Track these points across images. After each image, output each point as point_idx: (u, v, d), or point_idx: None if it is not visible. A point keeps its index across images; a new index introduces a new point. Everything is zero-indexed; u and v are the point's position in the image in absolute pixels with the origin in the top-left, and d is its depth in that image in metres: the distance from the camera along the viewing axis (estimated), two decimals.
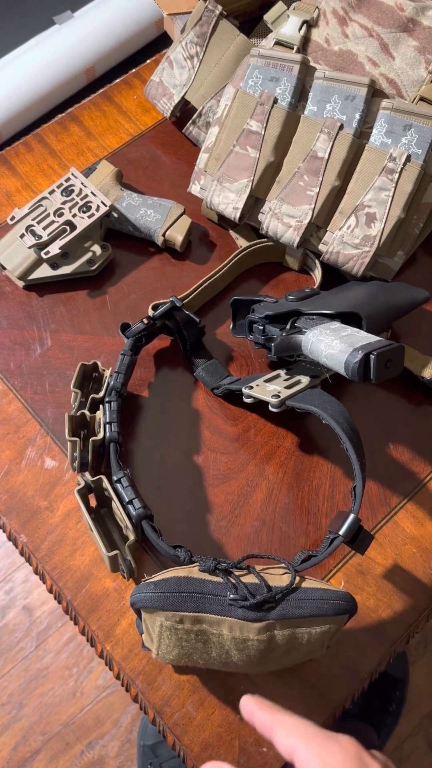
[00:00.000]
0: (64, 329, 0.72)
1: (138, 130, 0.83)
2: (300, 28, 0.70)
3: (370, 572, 0.63)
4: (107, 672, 1.08)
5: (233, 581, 0.48)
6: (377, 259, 0.70)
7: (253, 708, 0.42)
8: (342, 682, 0.59)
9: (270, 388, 0.60)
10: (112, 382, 0.62)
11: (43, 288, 0.73)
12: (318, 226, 0.70)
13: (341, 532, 0.51)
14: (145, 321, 0.65)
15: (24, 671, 1.05)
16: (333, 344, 0.55)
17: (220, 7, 0.74)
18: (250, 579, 0.49)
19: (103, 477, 0.57)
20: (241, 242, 0.76)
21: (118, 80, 0.86)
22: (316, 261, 0.72)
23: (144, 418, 0.68)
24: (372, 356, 0.51)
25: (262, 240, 0.73)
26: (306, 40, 0.70)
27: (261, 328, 0.63)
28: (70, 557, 0.62)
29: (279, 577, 0.50)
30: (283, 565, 0.52)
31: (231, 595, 0.48)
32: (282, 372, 0.64)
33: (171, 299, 0.66)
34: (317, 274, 0.73)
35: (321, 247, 0.70)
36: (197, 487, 0.65)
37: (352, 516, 0.51)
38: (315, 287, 0.69)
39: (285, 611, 0.48)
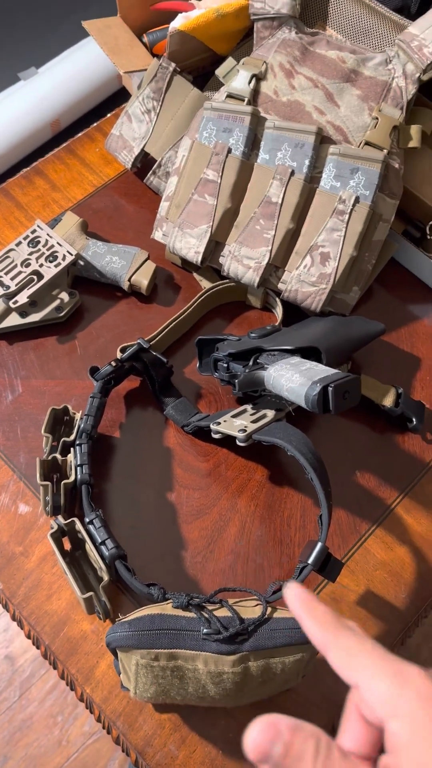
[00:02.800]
0: (34, 375, 0.73)
1: (101, 181, 0.87)
2: (249, 82, 0.74)
3: (343, 599, 0.64)
4: (92, 717, 1.07)
5: (206, 615, 0.50)
6: (334, 295, 0.73)
7: (301, 613, 0.34)
8: (321, 710, 0.60)
9: (237, 423, 0.62)
10: (82, 425, 0.63)
11: (13, 336, 0.75)
12: (276, 266, 0.73)
13: (310, 561, 0.52)
14: (114, 363, 0.67)
15: (8, 722, 1.03)
16: (293, 378, 0.57)
17: (173, 64, 0.78)
18: (223, 612, 0.51)
19: (75, 519, 0.58)
20: (205, 284, 0.78)
21: (80, 134, 0.90)
22: (277, 299, 0.75)
23: (116, 458, 0.69)
24: (330, 388, 0.54)
25: (225, 281, 0.76)
26: (256, 93, 0.74)
27: (225, 365, 0.65)
28: (46, 602, 0.62)
29: (252, 609, 0.51)
30: (255, 596, 0.53)
31: (204, 630, 0.49)
32: (248, 407, 0.66)
33: (138, 341, 0.68)
34: (278, 312, 0.75)
35: (280, 285, 0.73)
36: (171, 524, 0.66)
37: (319, 545, 0.53)
38: (276, 324, 0.72)
39: (258, 642, 0.49)
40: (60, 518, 0.59)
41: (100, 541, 0.56)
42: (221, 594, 0.61)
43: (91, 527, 0.57)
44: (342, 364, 0.71)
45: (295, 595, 0.34)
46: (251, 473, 0.69)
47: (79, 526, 0.58)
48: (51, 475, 0.63)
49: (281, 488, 0.69)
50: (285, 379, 0.58)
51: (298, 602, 0.34)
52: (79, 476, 0.60)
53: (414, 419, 0.71)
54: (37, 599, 0.63)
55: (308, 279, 0.71)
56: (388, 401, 0.71)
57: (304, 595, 0.34)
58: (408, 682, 0.29)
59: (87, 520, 0.58)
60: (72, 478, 0.60)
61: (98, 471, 0.68)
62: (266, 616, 0.50)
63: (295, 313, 0.76)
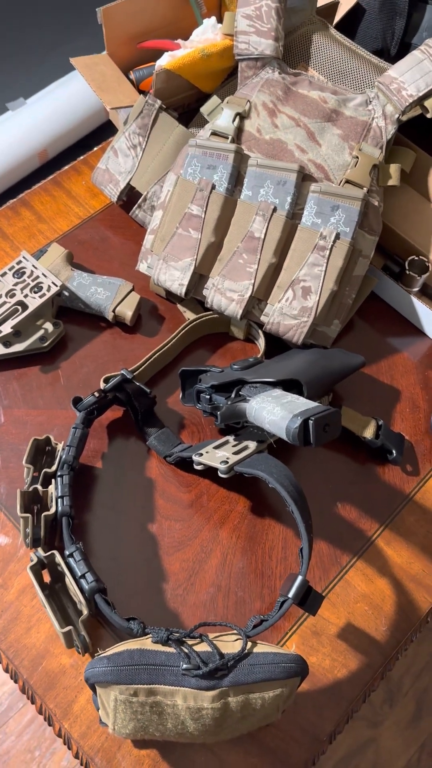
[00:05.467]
0: (17, 405, 0.74)
1: (87, 213, 0.88)
2: (233, 120, 0.76)
3: (324, 633, 0.64)
4: (71, 753, 1.05)
5: (186, 651, 0.49)
6: (315, 328, 0.74)
7: None
8: (301, 745, 0.59)
9: (219, 455, 0.63)
10: (64, 456, 0.63)
11: None
12: (259, 299, 0.74)
13: (290, 595, 0.53)
14: (97, 394, 0.67)
15: None
16: (274, 411, 0.58)
17: (159, 101, 0.80)
18: (203, 647, 0.50)
19: (55, 552, 0.58)
20: (189, 315, 0.79)
21: (67, 167, 0.91)
22: (260, 331, 0.76)
23: (98, 489, 0.69)
24: (310, 421, 0.55)
25: (208, 312, 0.77)
26: (239, 130, 0.76)
27: (208, 397, 0.66)
28: (25, 635, 0.62)
29: (232, 644, 0.51)
30: (235, 631, 0.53)
31: (184, 665, 0.49)
32: (231, 438, 0.67)
33: (122, 372, 0.68)
34: (261, 343, 0.76)
35: (263, 318, 0.74)
36: (152, 556, 0.66)
37: (300, 578, 0.53)
38: (259, 356, 0.73)
39: (237, 678, 0.49)
40: (40, 551, 0.58)
41: (79, 574, 0.56)
42: (202, 629, 0.61)
43: (71, 560, 0.57)
44: (323, 396, 0.72)
45: None
46: (233, 504, 0.70)
47: (59, 558, 0.58)
48: (32, 506, 0.63)
49: (263, 519, 0.69)
50: (266, 412, 0.58)
51: None
52: (59, 508, 0.60)
53: (394, 451, 0.72)
54: (16, 632, 0.62)
55: (290, 312, 0.73)
56: (369, 433, 0.72)
57: None
58: None
59: (67, 552, 0.58)
60: (53, 510, 0.60)
61: (80, 502, 0.68)
62: (246, 651, 0.50)
63: (277, 344, 0.77)
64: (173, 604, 0.64)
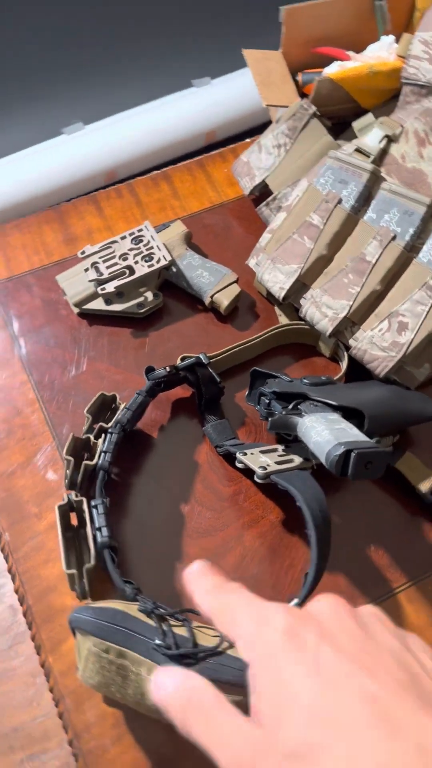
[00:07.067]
0: (101, 359, 0.78)
1: (219, 200, 0.90)
2: (381, 141, 0.75)
3: None
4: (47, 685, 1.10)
5: (164, 628, 0.51)
6: (404, 366, 0.72)
7: (190, 586, 0.36)
8: None
9: (262, 459, 0.63)
10: (120, 416, 0.67)
11: (94, 318, 0.80)
12: (353, 322, 0.73)
13: None
14: (168, 369, 0.70)
15: None
16: (322, 434, 0.57)
17: (314, 108, 0.80)
18: (182, 631, 0.52)
19: (84, 499, 0.61)
20: (283, 319, 0.80)
21: (214, 152, 0.94)
22: (345, 353, 0.75)
23: (146, 456, 0.72)
24: (353, 453, 0.54)
25: (300, 322, 0.77)
26: (384, 153, 0.75)
27: (267, 401, 0.66)
28: (42, 565, 0.66)
29: (211, 638, 0.52)
30: None
31: (157, 641, 0.50)
32: (280, 448, 0.67)
33: (200, 355, 0.71)
34: (343, 365, 0.75)
35: (351, 341, 0.73)
36: (176, 534, 0.68)
37: (294, 601, 0.53)
38: (336, 377, 0.72)
39: (203, 671, 0.50)
40: (73, 494, 0.62)
41: (97, 526, 0.59)
42: (189, 615, 0.62)
43: (94, 511, 0.60)
44: (388, 436, 0.70)
45: (189, 571, 0.37)
46: (267, 512, 0.70)
47: (85, 506, 0.61)
48: (82, 452, 0.67)
49: (291, 536, 0.69)
50: (315, 432, 0.58)
51: (191, 577, 0.37)
52: (100, 461, 0.63)
53: None
54: (35, 560, 0.66)
55: (380, 343, 0.71)
56: (425, 486, 0.69)
57: (198, 568, 0.37)
58: (267, 622, 0.30)
59: (93, 503, 0.61)
60: (94, 462, 0.63)
61: (126, 464, 0.71)
62: (220, 649, 0.51)
63: (360, 371, 0.76)
64: (179, 585, 0.66)
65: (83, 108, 1.65)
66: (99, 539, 0.59)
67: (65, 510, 0.61)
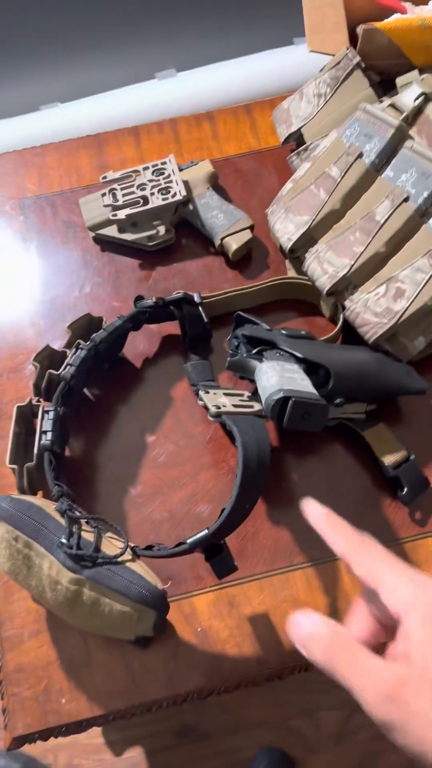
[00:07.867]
0: (104, 285, 0.80)
1: (259, 147, 0.89)
2: (417, 98, 0.71)
3: (239, 607, 0.63)
4: None
5: (72, 529, 0.53)
6: (397, 336, 0.69)
7: (326, 529, 0.41)
8: (161, 684, 0.61)
9: (221, 400, 0.63)
10: (95, 335, 0.68)
11: (107, 245, 0.82)
12: (355, 284, 0.70)
13: (188, 541, 0.53)
14: (154, 299, 0.70)
15: None
16: (271, 379, 0.56)
17: (358, 58, 0.77)
18: (90, 537, 0.54)
19: (41, 405, 0.64)
20: (292, 273, 0.78)
21: (265, 99, 0.92)
22: (341, 316, 0.73)
23: (126, 385, 0.74)
24: (291, 401, 0.53)
25: (304, 277, 0.75)
26: (419, 111, 0.71)
27: (236, 344, 0.66)
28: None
29: (116, 549, 0.54)
30: (126, 540, 0.55)
31: (63, 539, 0.52)
32: (246, 394, 0.67)
33: (183, 292, 0.71)
34: (338, 326, 0.73)
35: (347, 302, 0.71)
36: (135, 460, 0.70)
37: (204, 531, 0.53)
38: (325, 337, 0.70)
39: (95, 575, 0.51)
40: (34, 399, 0.65)
41: (43, 429, 0.61)
42: (102, 523, 0.63)
43: (45, 416, 0.62)
44: (360, 402, 0.68)
45: (319, 513, 0.42)
46: (228, 456, 0.70)
47: (40, 412, 0.64)
48: (56, 364, 0.69)
49: None
50: (266, 377, 0.57)
51: (323, 519, 0.42)
52: (63, 372, 0.65)
53: (405, 488, 0.66)
54: None
55: (374, 308, 0.68)
56: (389, 460, 0.66)
57: (326, 512, 0.42)
58: (426, 587, 0.37)
59: (46, 409, 0.63)
60: (61, 372, 0.65)
61: (100, 381, 0.73)
62: (119, 560, 0.52)
63: (357, 336, 0.73)
64: (127, 507, 0.67)
65: (176, 56, 1.66)
66: (42, 441, 0.61)
67: (24, 411, 0.64)
